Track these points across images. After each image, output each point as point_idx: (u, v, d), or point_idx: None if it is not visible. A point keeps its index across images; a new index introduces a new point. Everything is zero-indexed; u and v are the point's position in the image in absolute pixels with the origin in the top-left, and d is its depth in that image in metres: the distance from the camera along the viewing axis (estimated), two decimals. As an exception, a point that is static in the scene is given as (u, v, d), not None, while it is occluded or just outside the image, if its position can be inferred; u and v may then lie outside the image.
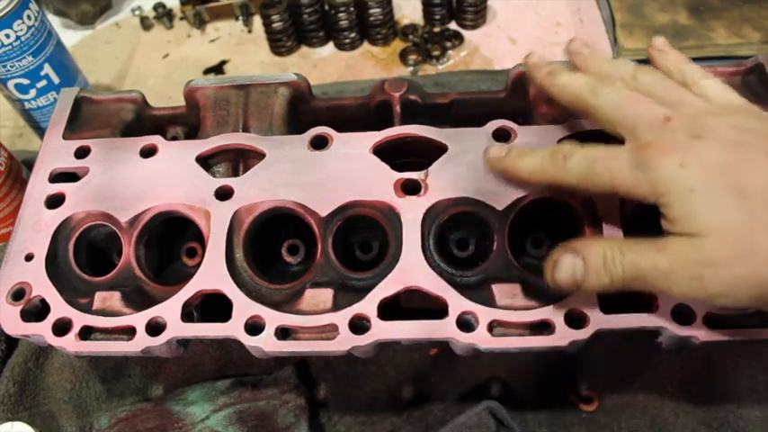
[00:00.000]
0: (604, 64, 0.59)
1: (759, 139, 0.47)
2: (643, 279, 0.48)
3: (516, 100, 0.74)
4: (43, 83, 0.97)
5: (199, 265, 0.63)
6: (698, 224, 0.45)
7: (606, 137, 0.57)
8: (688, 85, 0.55)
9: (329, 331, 0.59)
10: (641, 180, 0.48)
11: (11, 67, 0.92)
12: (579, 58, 0.61)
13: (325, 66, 1.22)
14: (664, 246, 0.47)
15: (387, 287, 0.59)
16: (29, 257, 0.64)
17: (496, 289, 0.59)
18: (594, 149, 0.53)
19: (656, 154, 0.48)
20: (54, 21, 1.27)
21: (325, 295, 0.60)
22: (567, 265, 0.50)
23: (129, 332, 0.60)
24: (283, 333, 0.60)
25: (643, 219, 0.63)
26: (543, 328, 0.58)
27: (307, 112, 0.77)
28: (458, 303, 0.58)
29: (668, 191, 0.47)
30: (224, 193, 0.66)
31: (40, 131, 1.04)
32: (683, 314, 0.57)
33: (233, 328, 0.59)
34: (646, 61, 0.60)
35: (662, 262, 0.47)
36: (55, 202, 0.67)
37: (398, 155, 0.67)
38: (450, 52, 1.20)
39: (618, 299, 0.59)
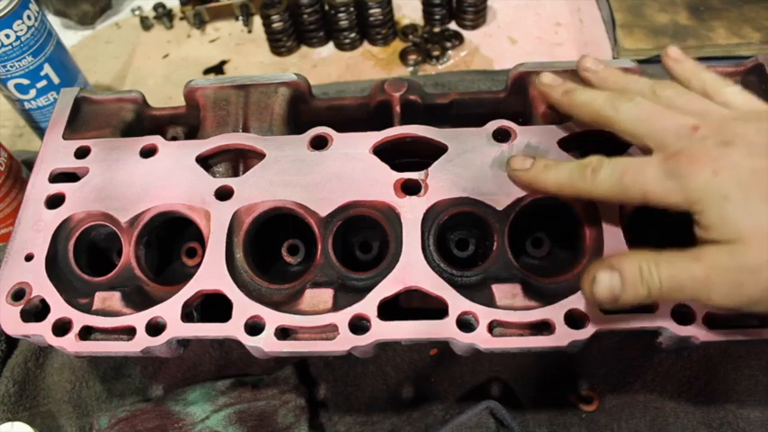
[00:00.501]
0: (621, 79, 0.59)
1: None
2: (681, 290, 0.48)
3: (516, 100, 0.74)
4: (43, 83, 0.97)
5: (199, 265, 0.63)
6: (734, 231, 0.45)
7: (610, 138, 0.57)
8: (709, 94, 0.55)
9: (329, 331, 0.59)
10: (674, 189, 0.48)
11: (11, 67, 0.92)
12: (595, 76, 0.61)
13: (325, 66, 1.22)
14: (699, 255, 0.47)
15: (387, 287, 0.59)
16: (29, 257, 0.64)
17: (496, 289, 0.59)
18: (622, 161, 0.53)
19: (688, 163, 0.48)
20: (54, 21, 1.27)
21: (326, 295, 0.60)
22: (604, 281, 0.50)
23: (129, 332, 0.60)
24: (283, 333, 0.60)
25: (643, 219, 0.63)
26: (543, 328, 0.58)
27: (307, 113, 0.77)
28: (458, 303, 0.58)
29: (702, 199, 0.47)
30: (224, 193, 0.66)
31: (40, 131, 1.04)
32: (683, 314, 0.57)
33: (233, 329, 0.59)
34: (646, 61, 0.60)
35: (699, 272, 0.47)
36: (55, 202, 0.67)
37: (398, 155, 0.67)
38: (450, 52, 1.20)
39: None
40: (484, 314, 0.58)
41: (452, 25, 1.25)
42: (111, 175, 0.68)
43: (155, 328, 0.60)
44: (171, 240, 0.73)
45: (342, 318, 0.58)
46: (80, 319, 0.61)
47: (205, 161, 0.69)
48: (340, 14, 1.19)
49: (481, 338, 0.57)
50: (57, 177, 0.69)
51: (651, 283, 0.48)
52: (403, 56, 1.20)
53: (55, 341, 0.60)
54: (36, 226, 0.66)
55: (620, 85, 0.58)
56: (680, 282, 0.48)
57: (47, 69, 0.96)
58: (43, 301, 0.62)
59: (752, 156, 0.46)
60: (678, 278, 0.48)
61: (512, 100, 0.75)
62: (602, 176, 0.53)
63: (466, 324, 0.58)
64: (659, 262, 0.49)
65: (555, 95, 0.61)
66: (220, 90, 0.75)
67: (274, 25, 1.20)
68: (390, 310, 0.59)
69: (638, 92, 0.56)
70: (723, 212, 0.46)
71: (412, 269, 0.60)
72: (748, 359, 0.72)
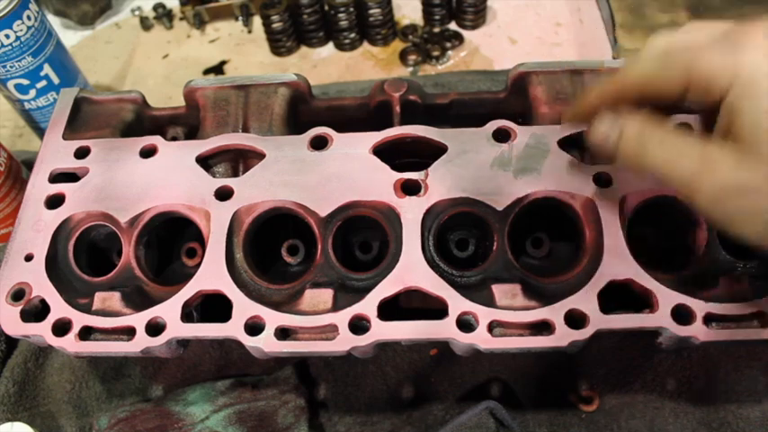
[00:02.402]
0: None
1: None
2: (670, 172, 0.44)
3: (516, 100, 0.74)
4: (43, 83, 0.97)
5: (199, 265, 0.63)
6: (757, 137, 0.39)
7: None
8: None
9: (329, 331, 0.59)
10: (723, 54, 0.41)
11: (11, 67, 0.92)
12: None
13: (325, 66, 1.22)
14: (706, 147, 0.42)
15: (387, 287, 0.59)
16: (29, 257, 0.64)
17: (496, 289, 0.59)
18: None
19: (750, 30, 0.42)
20: (54, 21, 1.27)
21: (326, 295, 0.60)
22: (604, 124, 0.47)
23: (129, 332, 0.60)
24: (283, 333, 0.60)
25: (643, 219, 0.63)
26: (543, 328, 0.58)
27: (306, 113, 0.77)
28: (458, 303, 0.58)
29: (749, 73, 0.40)
30: (224, 194, 0.66)
31: (40, 131, 1.04)
32: (683, 314, 0.57)
33: (233, 329, 0.59)
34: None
35: (695, 165, 0.42)
36: (55, 202, 0.67)
37: (398, 155, 0.67)
38: (450, 52, 1.20)
39: (618, 299, 0.59)
40: (484, 314, 0.58)
41: (452, 25, 1.25)
42: (111, 175, 0.68)
43: (155, 328, 0.60)
44: (171, 240, 0.73)
45: (342, 318, 0.58)
46: (80, 320, 0.61)
47: (205, 161, 0.69)
48: (340, 14, 1.19)
49: (481, 338, 0.57)
50: (57, 177, 0.69)
51: (644, 150, 0.45)
52: (403, 56, 1.20)
53: (55, 341, 0.60)
54: (36, 226, 0.66)
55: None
56: (672, 164, 0.44)
57: (47, 69, 0.96)
58: (43, 302, 0.62)
59: None
60: (672, 159, 0.44)
61: (512, 100, 0.75)
62: (646, 55, 0.47)
63: (466, 324, 0.58)
64: (665, 137, 0.44)
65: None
66: (220, 90, 0.75)
67: (274, 25, 1.20)
68: (390, 310, 0.59)
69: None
70: (759, 110, 0.39)
71: (412, 269, 0.60)
72: (748, 359, 0.72)
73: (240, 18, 1.32)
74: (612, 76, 0.50)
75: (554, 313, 0.57)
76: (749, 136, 0.40)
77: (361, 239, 0.71)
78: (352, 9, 1.18)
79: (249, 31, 1.31)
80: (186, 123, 0.79)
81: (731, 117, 0.41)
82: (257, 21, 1.29)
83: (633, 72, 0.48)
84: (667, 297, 0.57)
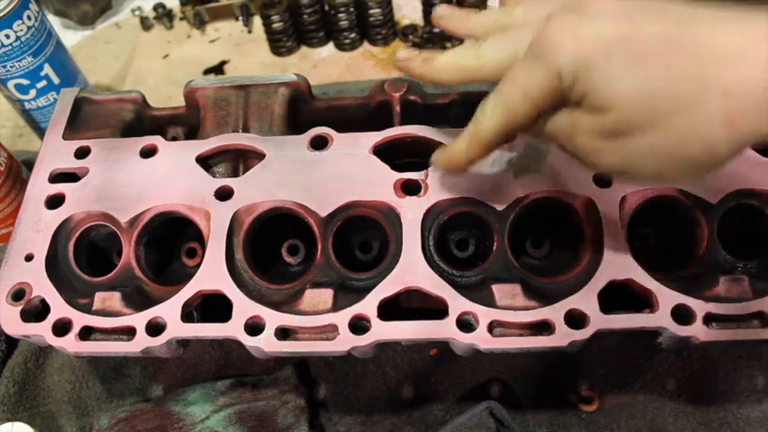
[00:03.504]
0: (475, 19, 0.56)
1: (647, 6, 0.44)
2: (556, 134, 0.49)
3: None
4: (43, 83, 0.97)
5: (199, 265, 0.63)
6: (600, 99, 0.43)
7: None
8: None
9: (329, 331, 0.59)
10: (543, 70, 0.45)
11: (11, 67, 0.92)
12: (450, 22, 0.58)
13: (325, 66, 1.22)
14: (573, 113, 0.46)
15: (387, 287, 0.59)
16: (29, 257, 0.64)
17: (496, 289, 0.59)
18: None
19: (547, 38, 0.45)
20: (54, 21, 1.27)
21: (326, 295, 0.60)
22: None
23: (129, 332, 0.60)
24: (283, 333, 0.60)
25: (643, 220, 0.63)
26: (543, 328, 0.58)
27: (307, 113, 0.77)
28: (458, 303, 0.58)
29: (568, 69, 0.44)
30: (224, 194, 0.66)
31: (40, 132, 1.04)
32: (683, 314, 0.57)
33: (233, 329, 0.59)
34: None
35: (567, 122, 0.47)
36: (55, 202, 0.67)
37: (398, 155, 0.67)
38: (450, 52, 1.20)
39: (618, 299, 0.59)
40: (484, 314, 0.58)
41: (452, 25, 1.25)
42: (111, 176, 0.68)
43: (155, 328, 0.60)
44: (171, 240, 0.73)
45: (342, 318, 0.58)
46: (80, 320, 0.61)
47: (205, 161, 0.69)
48: (340, 15, 1.19)
49: (481, 338, 0.57)
50: (57, 177, 0.69)
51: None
52: (403, 56, 1.20)
53: (55, 341, 0.60)
54: (36, 226, 0.66)
55: (477, 25, 0.55)
56: (553, 129, 0.48)
57: (47, 69, 0.96)
58: (43, 302, 0.62)
59: (613, 23, 0.43)
60: (553, 127, 0.48)
61: (512, 100, 0.75)
62: (488, 108, 0.51)
63: (466, 324, 0.58)
64: (547, 118, 0.49)
65: (415, 68, 0.55)
66: (220, 90, 0.75)
67: (274, 25, 1.20)
68: (390, 310, 0.59)
69: (492, 25, 0.54)
70: (589, 80, 0.43)
71: (412, 269, 0.60)
72: (748, 359, 0.72)
73: (240, 18, 1.32)
74: (469, 139, 0.53)
75: (554, 313, 0.57)
76: (594, 103, 0.44)
77: (361, 239, 0.71)
78: (352, 9, 1.18)
79: (249, 31, 1.31)
80: (186, 123, 0.79)
81: (575, 97, 0.45)
82: (257, 21, 1.29)
83: (488, 132, 0.51)
84: (667, 297, 0.57)
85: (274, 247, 0.71)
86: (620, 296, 0.59)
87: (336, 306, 0.60)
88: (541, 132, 0.50)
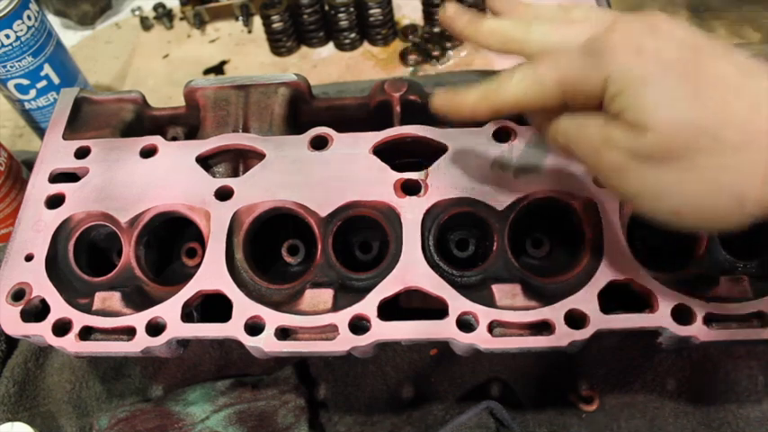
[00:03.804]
0: (530, 7, 0.56)
1: (717, 46, 0.43)
2: (576, 143, 0.47)
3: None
4: (43, 83, 0.97)
5: (199, 265, 0.63)
6: (644, 117, 0.41)
7: None
8: None
9: (329, 331, 0.59)
10: (592, 67, 0.44)
11: (11, 67, 0.92)
12: (504, 4, 0.57)
13: (325, 66, 1.22)
14: (607, 125, 0.44)
15: (387, 287, 0.59)
16: (29, 257, 0.64)
17: (496, 289, 0.59)
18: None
19: (611, 38, 0.43)
20: (54, 21, 1.27)
21: (326, 295, 0.60)
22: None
23: (129, 332, 0.60)
24: (283, 333, 0.60)
25: (643, 220, 0.63)
26: (543, 328, 0.58)
27: (307, 113, 0.77)
28: (458, 303, 0.58)
29: (621, 76, 0.42)
30: (224, 194, 0.66)
31: (40, 131, 1.04)
32: (683, 314, 0.57)
33: (233, 329, 0.59)
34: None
35: (596, 138, 0.45)
36: (55, 202, 0.67)
37: (398, 155, 0.67)
38: (450, 52, 1.20)
39: (618, 299, 0.59)
40: (484, 314, 0.58)
41: (452, 25, 1.25)
42: (111, 176, 0.68)
43: (155, 328, 0.60)
44: (171, 240, 0.73)
45: (342, 318, 0.58)
46: (80, 320, 0.61)
47: (205, 161, 0.69)
48: (340, 14, 1.19)
49: (481, 338, 0.57)
50: (57, 177, 0.69)
51: (566, 138, 0.47)
52: (403, 56, 1.20)
53: (55, 341, 0.60)
54: (36, 226, 0.66)
55: (530, 12, 0.54)
56: (576, 134, 0.46)
57: (47, 69, 0.96)
58: (43, 302, 0.62)
59: (679, 48, 0.42)
60: (576, 131, 0.46)
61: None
62: (516, 76, 0.49)
63: (466, 324, 0.58)
64: (573, 118, 0.47)
65: (459, 26, 0.55)
66: (220, 90, 0.75)
67: (274, 25, 1.20)
68: (390, 310, 0.59)
69: (548, 15, 0.53)
70: (638, 95, 0.42)
71: (412, 269, 0.60)
72: (748, 359, 0.72)
73: (240, 18, 1.32)
74: (485, 92, 0.50)
75: (554, 313, 0.57)
76: (635, 120, 0.42)
77: (361, 239, 0.71)
78: (352, 9, 1.18)
79: (249, 31, 1.31)
80: (186, 123, 0.79)
81: (615, 109, 0.43)
82: (257, 21, 1.29)
83: (507, 94, 0.49)
84: (667, 297, 0.57)
85: (274, 247, 0.71)
86: (620, 296, 0.59)
87: (336, 306, 0.60)
88: (552, 128, 0.48)
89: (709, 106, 0.40)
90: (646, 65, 0.42)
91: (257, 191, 0.65)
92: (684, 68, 0.41)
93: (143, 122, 0.78)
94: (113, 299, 0.62)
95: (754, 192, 0.40)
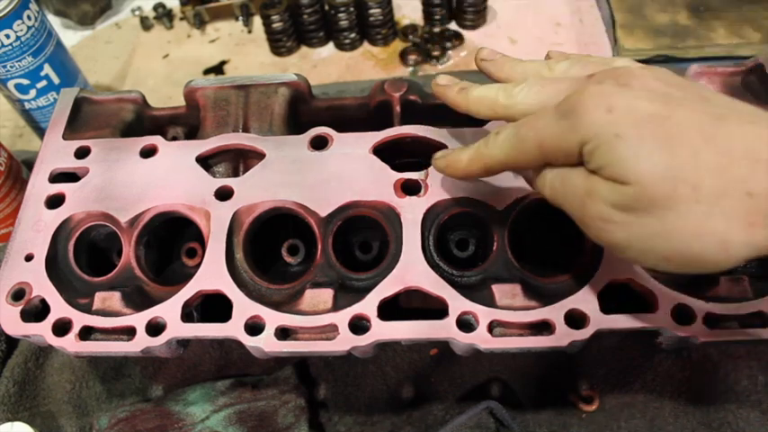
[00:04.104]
0: (516, 66, 0.58)
1: (688, 94, 0.45)
2: (564, 197, 0.48)
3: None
4: (43, 83, 0.97)
5: (199, 265, 0.63)
6: (622, 172, 0.42)
7: None
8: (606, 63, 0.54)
9: (329, 331, 0.59)
10: (567, 129, 0.45)
11: (11, 67, 0.92)
12: (492, 65, 0.60)
13: (325, 66, 1.22)
14: (590, 179, 0.45)
15: (387, 287, 0.59)
16: (29, 257, 0.64)
17: (496, 289, 0.59)
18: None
19: (582, 100, 0.45)
20: (54, 21, 1.27)
21: (326, 295, 0.60)
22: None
23: (129, 332, 0.60)
24: (283, 333, 0.60)
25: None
26: (543, 328, 0.58)
27: (307, 113, 0.77)
28: (458, 303, 0.58)
29: (595, 136, 0.43)
30: (224, 194, 0.66)
31: (40, 131, 1.04)
32: (683, 314, 0.57)
33: (233, 329, 0.59)
34: (646, 61, 0.60)
35: (581, 190, 0.46)
36: (55, 202, 0.67)
37: (398, 155, 0.67)
38: (450, 52, 1.20)
39: (618, 299, 0.59)
40: (484, 314, 0.58)
41: (452, 25, 1.25)
42: (111, 176, 0.68)
43: (155, 328, 0.60)
44: (171, 240, 0.73)
45: (342, 318, 0.58)
46: (80, 319, 0.61)
47: (205, 161, 0.69)
48: (340, 14, 1.19)
49: (481, 338, 0.57)
50: (57, 177, 0.69)
51: (554, 192, 0.48)
52: (403, 56, 1.20)
53: (55, 341, 0.60)
54: (36, 226, 0.66)
55: (516, 71, 0.57)
56: (562, 188, 0.48)
57: (47, 69, 0.96)
58: (43, 301, 0.62)
59: (650, 100, 0.43)
60: (561, 185, 0.48)
61: (512, 100, 0.75)
62: (501, 137, 0.51)
63: (466, 324, 0.58)
64: (558, 172, 0.48)
65: (451, 95, 0.58)
66: (220, 90, 0.75)
67: (274, 25, 1.20)
68: (390, 310, 0.59)
69: (533, 73, 0.55)
70: (614, 152, 0.42)
71: (412, 269, 0.60)
72: (748, 359, 0.72)
73: (240, 18, 1.32)
74: (476, 152, 0.54)
75: (554, 313, 0.57)
76: (615, 175, 0.43)
77: (361, 239, 0.71)
78: (352, 9, 1.18)
79: (249, 31, 1.31)
80: (186, 123, 0.79)
81: (594, 165, 0.45)
82: (257, 21, 1.30)
83: (493, 154, 0.52)
84: (667, 297, 0.57)
85: (274, 247, 0.71)
86: (620, 296, 0.59)
87: (336, 306, 0.60)
88: (539, 182, 0.50)
89: (683, 156, 0.41)
90: (617, 123, 0.43)
91: (257, 191, 0.65)
92: (655, 121, 0.42)
93: (143, 122, 0.78)
94: (113, 299, 0.62)
95: (739, 236, 0.40)
